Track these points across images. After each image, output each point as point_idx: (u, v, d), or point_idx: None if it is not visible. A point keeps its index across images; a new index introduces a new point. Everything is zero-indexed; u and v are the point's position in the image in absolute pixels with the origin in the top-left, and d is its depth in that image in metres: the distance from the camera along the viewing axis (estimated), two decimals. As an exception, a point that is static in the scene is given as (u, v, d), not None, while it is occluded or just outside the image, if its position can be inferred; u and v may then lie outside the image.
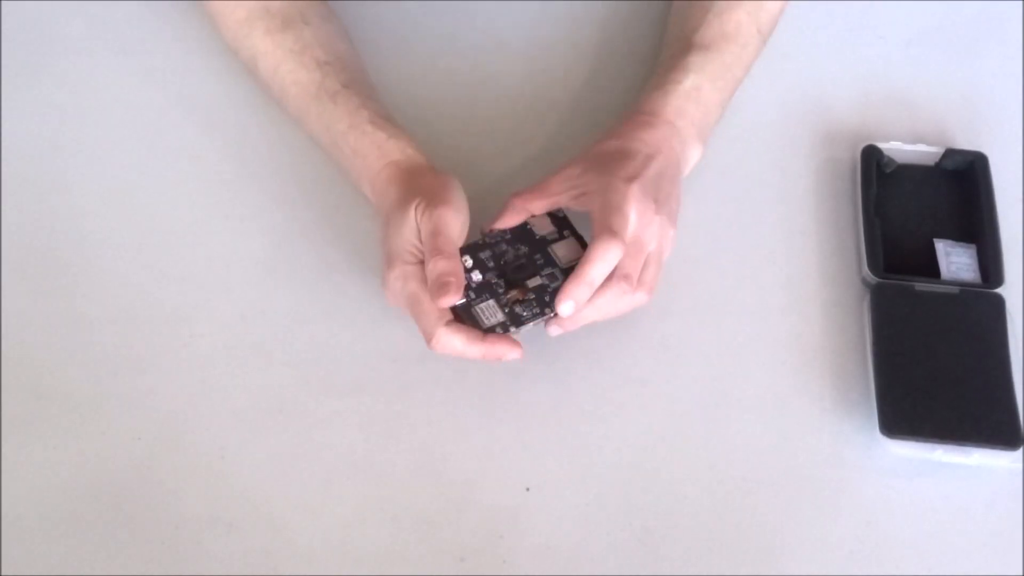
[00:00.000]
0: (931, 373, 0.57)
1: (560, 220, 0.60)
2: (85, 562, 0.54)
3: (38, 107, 0.69)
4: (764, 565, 0.54)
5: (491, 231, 0.59)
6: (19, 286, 0.62)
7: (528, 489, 0.56)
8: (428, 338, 0.54)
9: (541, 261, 0.58)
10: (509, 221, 0.59)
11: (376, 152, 0.60)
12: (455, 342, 0.54)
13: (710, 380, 0.59)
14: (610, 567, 0.54)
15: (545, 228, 0.59)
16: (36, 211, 0.65)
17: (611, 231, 0.54)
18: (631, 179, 0.56)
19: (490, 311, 0.56)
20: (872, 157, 0.64)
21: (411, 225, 0.55)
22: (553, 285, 0.57)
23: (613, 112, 0.68)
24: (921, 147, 0.65)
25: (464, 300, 0.55)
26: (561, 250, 0.58)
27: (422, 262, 0.55)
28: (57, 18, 0.73)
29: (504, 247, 0.58)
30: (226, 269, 0.63)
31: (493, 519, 0.55)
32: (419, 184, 0.58)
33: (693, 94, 0.61)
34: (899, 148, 0.65)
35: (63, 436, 0.58)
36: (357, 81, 0.64)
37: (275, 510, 0.56)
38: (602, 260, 0.54)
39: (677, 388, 0.59)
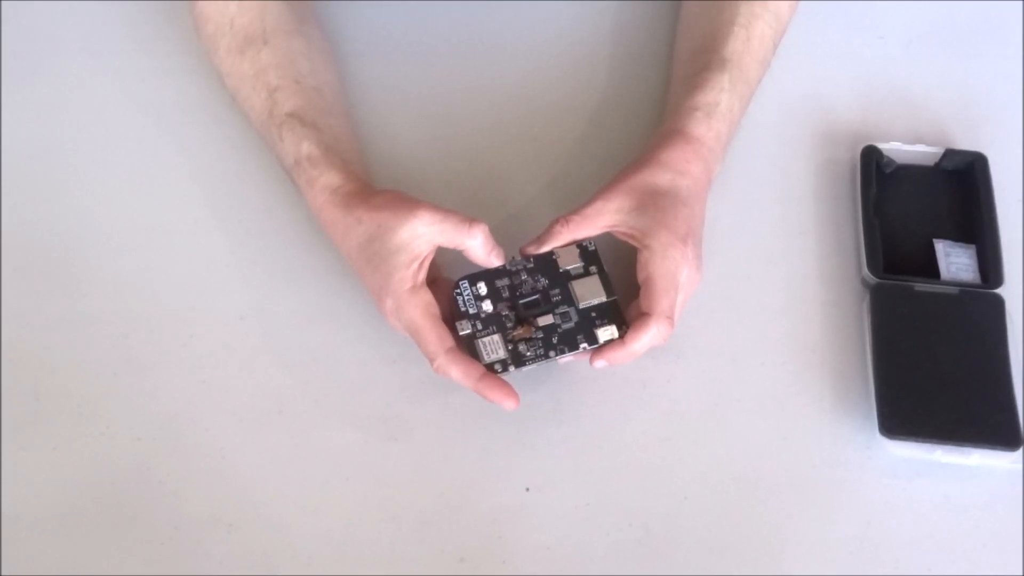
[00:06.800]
0: (931, 373, 0.57)
1: (589, 255, 0.57)
2: (85, 562, 0.54)
3: (38, 107, 0.69)
4: (764, 565, 0.54)
5: (525, 255, 0.57)
6: (19, 286, 0.62)
7: (528, 489, 0.56)
8: (430, 362, 0.54)
9: (558, 297, 0.56)
10: (550, 246, 0.57)
11: (312, 192, 0.58)
12: (451, 373, 0.54)
13: (710, 380, 0.59)
14: (610, 567, 0.54)
15: (571, 262, 0.57)
16: (36, 211, 0.65)
17: (667, 315, 0.54)
18: (686, 238, 0.55)
19: (493, 346, 0.55)
20: (872, 157, 0.64)
21: (395, 260, 0.54)
22: (564, 326, 0.55)
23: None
24: (921, 147, 0.65)
25: (469, 331, 0.55)
26: (581, 288, 0.56)
27: (412, 288, 0.54)
28: (57, 18, 0.73)
29: (524, 276, 0.57)
30: (226, 269, 0.63)
31: (493, 519, 0.55)
32: (363, 223, 0.55)
33: (727, 115, 0.60)
34: (899, 148, 0.65)
35: (63, 436, 0.58)
36: (308, 105, 0.61)
37: (275, 510, 0.56)
38: (652, 338, 0.54)
39: (677, 388, 0.59)
